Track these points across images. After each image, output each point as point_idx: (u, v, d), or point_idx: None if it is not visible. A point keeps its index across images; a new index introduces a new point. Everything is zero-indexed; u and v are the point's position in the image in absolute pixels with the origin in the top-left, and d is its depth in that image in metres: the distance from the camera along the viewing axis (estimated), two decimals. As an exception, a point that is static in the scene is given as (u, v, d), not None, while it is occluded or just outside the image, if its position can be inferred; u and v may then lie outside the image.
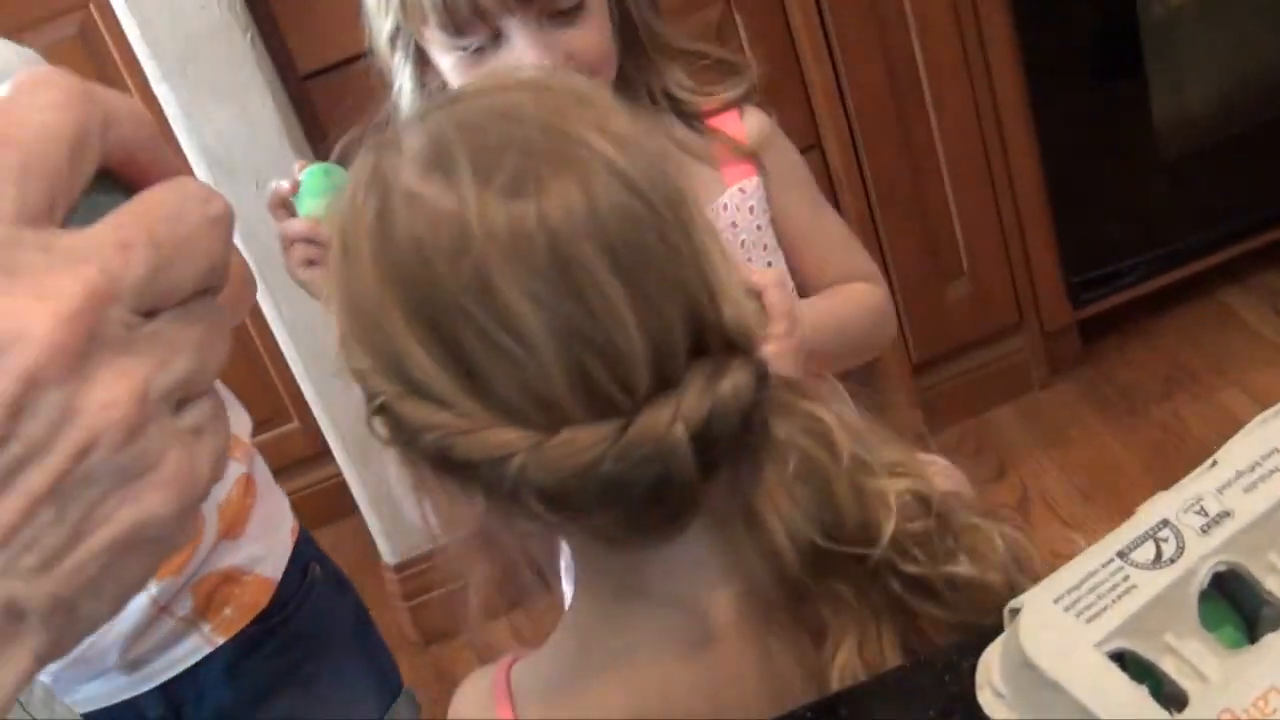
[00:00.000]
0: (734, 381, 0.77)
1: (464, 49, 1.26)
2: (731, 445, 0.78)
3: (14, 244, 0.42)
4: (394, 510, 2.24)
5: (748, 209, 1.38)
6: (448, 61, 1.29)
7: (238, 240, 1.07)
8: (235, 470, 1.42)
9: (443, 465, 0.79)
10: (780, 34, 2.12)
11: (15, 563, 0.43)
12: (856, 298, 1.40)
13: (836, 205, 2.23)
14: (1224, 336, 2.36)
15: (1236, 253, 2.38)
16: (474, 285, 0.76)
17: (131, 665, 1.38)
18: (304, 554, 1.49)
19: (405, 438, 0.80)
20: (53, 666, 1.38)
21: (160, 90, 1.91)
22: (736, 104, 1.39)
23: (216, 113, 1.92)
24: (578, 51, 1.26)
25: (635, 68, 1.35)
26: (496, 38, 1.25)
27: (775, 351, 1.10)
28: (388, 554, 2.35)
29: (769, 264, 1.38)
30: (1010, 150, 2.21)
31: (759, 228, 1.38)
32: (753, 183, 1.38)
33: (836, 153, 2.17)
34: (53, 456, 0.42)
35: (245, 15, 1.91)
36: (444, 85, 1.32)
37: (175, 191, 0.46)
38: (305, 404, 2.26)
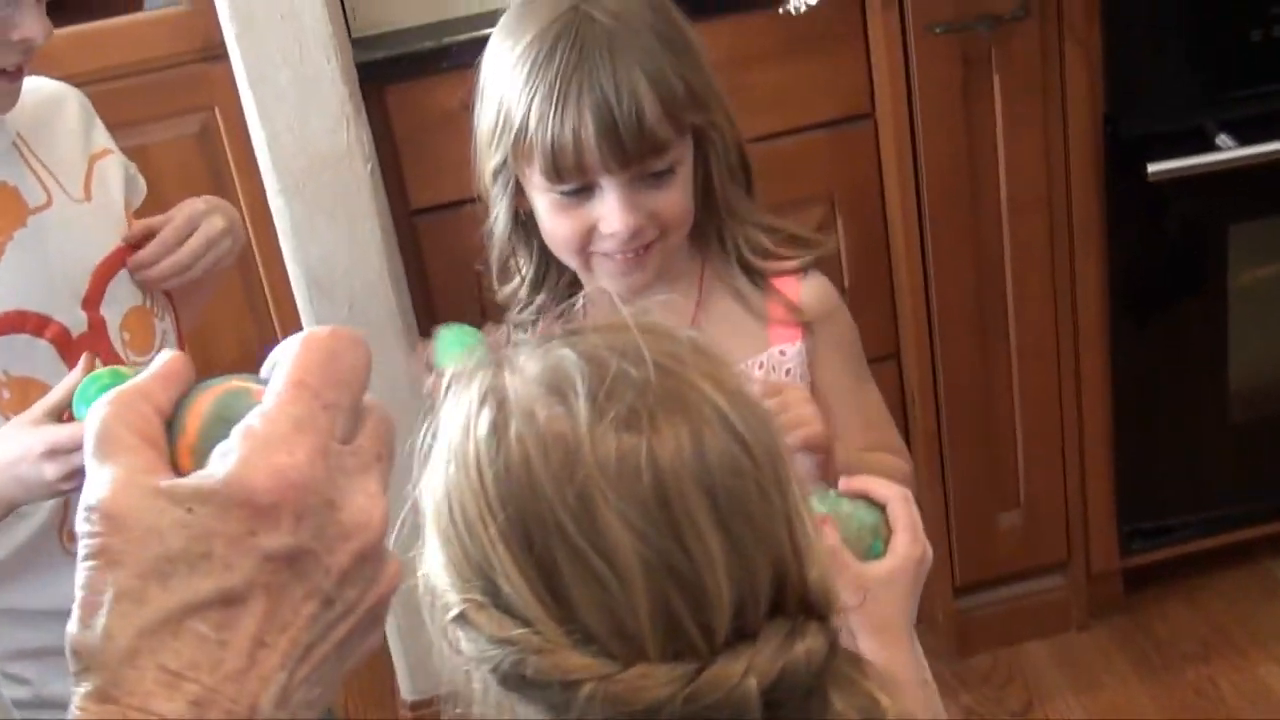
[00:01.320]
0: (808, 645, 0.79)
1: (560, 193, 1.37)
2: (794, 708, 0.79)
3: (341, 454, 0.56)
4: (422, 647, 2.23)
5: (784, 371, 1.46)
6: (543, 201, 1.40)
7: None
8: None
9: (510, 681, 0.80)
10: (877, 243, 2.17)
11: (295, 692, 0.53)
12: (890, 467, 1.46)
13: (905, 418, 2.25)
14: (1269, 608, 2.36)
15: (1289, 526, 2.39)
16: (577, 509, 0.78)
17: None
18: None
19: (478, 650, 0.80)
20: None
21: (275, 204, 1.95)
22: (800, 269, 1.48)
23: (325, 234, 1.96)
24: (661, 211, 1.39)
25: (710, 223, 1.45)
26: (591, 188, 1.37)
27: (902, 558, 1.13)
28: (406, 690, 2.34)
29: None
30: (1084, 390, 2.23)
31: None
32: (795, 347, 1.47)
33: (913, 365, 2.20)
34: (355, 614, 0.55)
35: (370, 145, 1.95)
36: (532, 215, 1.43)
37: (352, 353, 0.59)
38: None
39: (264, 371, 0.61)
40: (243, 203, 2.06)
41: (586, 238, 1.39)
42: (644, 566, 0.78)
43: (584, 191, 1.37)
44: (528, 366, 0.83)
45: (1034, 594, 2.39)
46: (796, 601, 0.81)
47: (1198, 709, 2.22)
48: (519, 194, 1.43)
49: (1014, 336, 2.19)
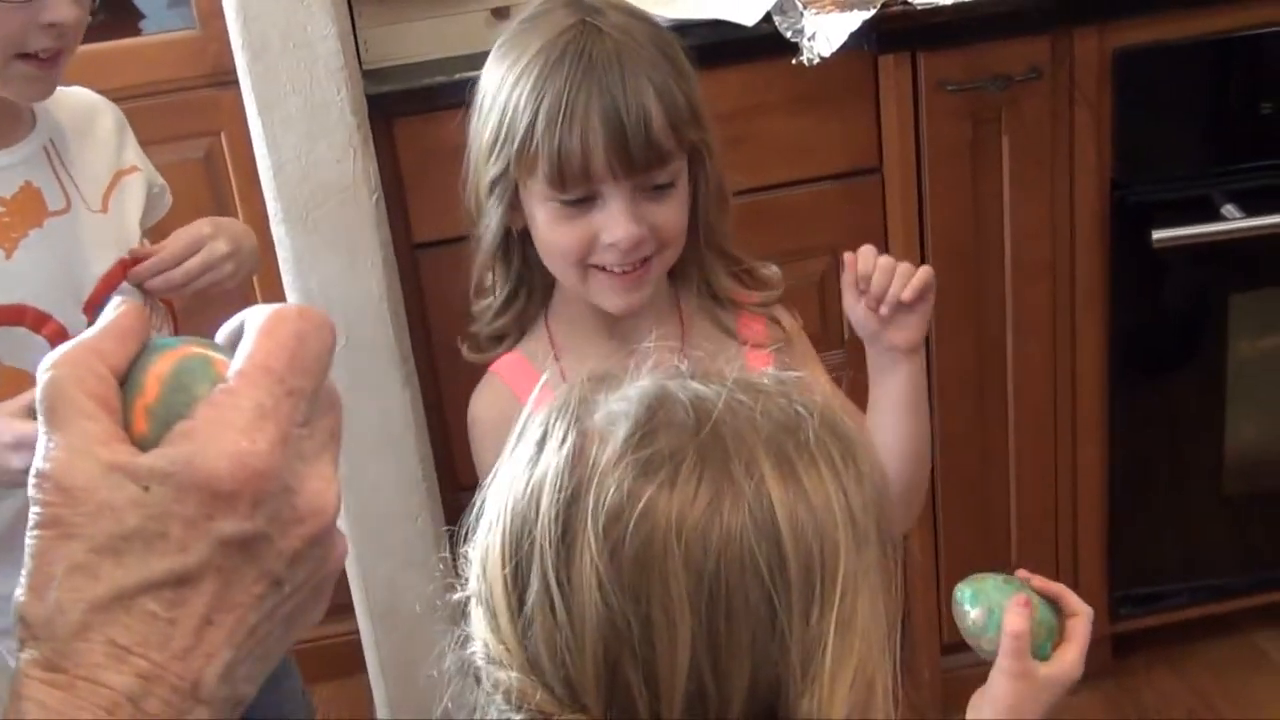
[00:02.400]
0: None
1: (562, 202, 1.37)
2: None
3: (300, 439, 0.56)
4: (404, 679, 2.21)
5: None
6: (543, 211, 1.39)
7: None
8: None
9: (475, 677, 0.80)
10: (880, 297, 2.15)
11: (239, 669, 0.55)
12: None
13: (901, 473, 2.24)
14: (1255, 680, 2.35)
15: (1277, 599, 2.38)
16: (558, 539, 0.76)
17: None
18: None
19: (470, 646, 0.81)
20: None
21: (278, 231, 1.94)
22: (767, 309, 1.53)
23: (327, 263, 1.95)
24: (662, 225, 1.40)
25: (689, 248, 1.46)
26: (593, 199, 1.37)
27: (1068, 668, 1.18)
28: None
29: None
30: (1079, 455, 2.22)
31: None
32: (769, 370, 1.47)
33: (910, 422, 2.19)
34: (302, 593, 0.56)
35: (376, 177, 1.95)
36: (526, 231, 1.43)
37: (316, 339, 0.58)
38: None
39: (220, 336, 0.60)
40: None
41: (587, 248, 1.39)
42: (599, 621, 0.75)
43: (586, 202, 1.37)
44: (616, 390, 0.82)
45: (1020, 656, 2.37)
46: None
47: (1181, 778, 2.21)
48: (513, 208, 1.42)
49: (1012, 399, 2.18)
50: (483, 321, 1.50)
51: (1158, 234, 2.04)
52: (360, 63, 1.99)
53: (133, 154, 1.65)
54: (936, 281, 2.07)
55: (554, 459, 0.79)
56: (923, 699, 2.33)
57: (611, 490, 0.76)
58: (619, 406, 0.80)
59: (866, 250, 1.43)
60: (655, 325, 1.41)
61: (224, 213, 2.07)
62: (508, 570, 0.78)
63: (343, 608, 2.37)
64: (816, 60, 1.92)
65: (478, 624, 0.80)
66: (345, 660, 2.42)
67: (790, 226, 2.11)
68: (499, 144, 1.39)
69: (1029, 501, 2.25)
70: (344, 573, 2.23)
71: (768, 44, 1.98)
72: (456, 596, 0.82)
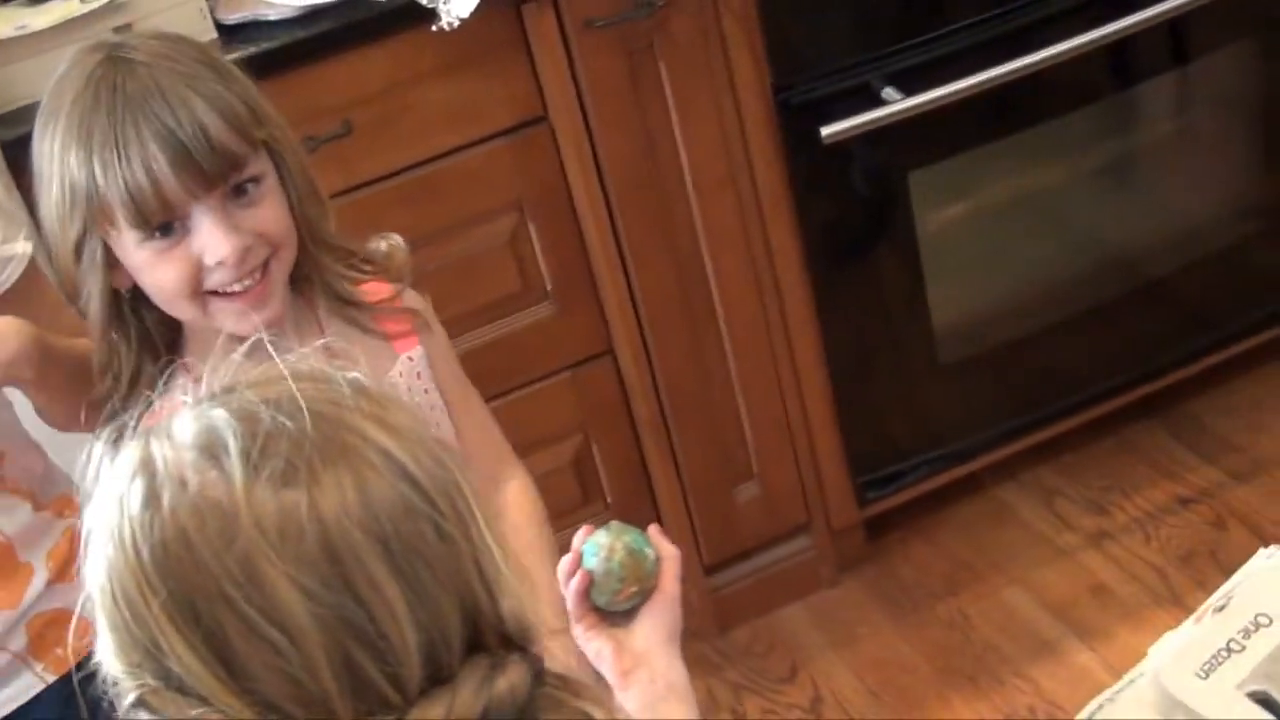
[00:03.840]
0: (510, 680, 0.78)
1: (153, 239, 1.30)
2: None
3: None
4: None
5: (415, 375, 1.48)
6: (140, 257, 1.32)
7: None
8: (63, 524, 1.51)
9: None
10: (574, 243, 2.15)
11: None
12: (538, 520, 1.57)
13: (629, 413, 2.26)
14: (1003, 534, 2.43)
15: (1012, 451, 2.46)
16: (240, 576, 0.75)
17: None
18: None
19: None
20: None
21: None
22: (397, 294, 1.49)
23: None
24: (264, 229, 1.34)
25: (304, 261, 1.41)
26: (184, 224, 1.31)
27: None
28: None
29: (437, 426, 1.49)
30: (797, 355, 2.26)
31: (426, 391, 1.48)
32: (419, 351, 1.49)
33: (628, 359, 2.20)
34: None
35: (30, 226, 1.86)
36: (134, 287, 1.35)
37: None
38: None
39: None
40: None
41: (196, 278, 1.32)
42: (319, 626, 0.75)
43: (177, 229, 1.30)
44: (178, 432, 0.80)
45: (781, 560, 2.42)
46: (495, 636, 0.79)
47: (951, 642, 2.28)
48: (111, 267, 1.34)
49: (721, 314, 2.20)
50: (114, 403, 1.39)
51: (826, 129, 2.07)
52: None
53: None
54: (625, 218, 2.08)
55: (181, 513, 0.77)
56: (697, 621, 2.35)
57: (268, 513, 0.76)
58: (205, 441, 0.79)
59: None
60: (297, 341, 1.36)
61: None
62: (195, 637, 0.76)
63: None
64: (456, 23, 1.89)
65: (175, 709, 0.77)
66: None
67: (469, 191, 2.09)
68: (68, 206, 1.31)
69: (758, 411, 2.28)
70: None
71: (407, 14, 1.94)
72: (128, 704, 0.79)
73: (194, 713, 0.76)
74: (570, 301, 2.19)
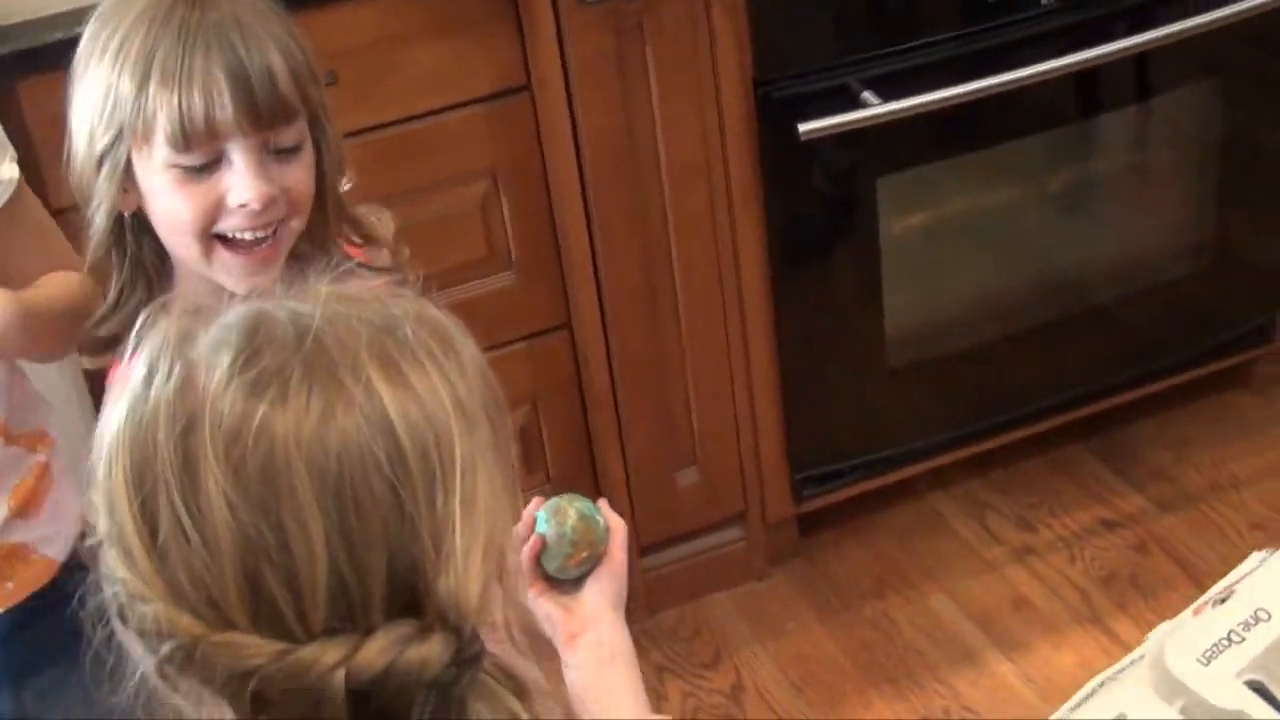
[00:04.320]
0: (425, 653, 0.78)
1: (184, 166, 1.29)
2: (405, 713, 0.78)
3: None
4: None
5: None
6: (164, 180, 1.31)
7: None
8: (34, 459, 1.51)
9: (121, 618, 0.81)
10: (543, 215, 2.17)
11: None
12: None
13: (580, 387, 2.27)
14: (933, 541, 2.47)
15: (947, 461, 2.50)
16: (180, 468, 0.78)
17: None
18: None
19: (109, 586, 0.81)
20: None
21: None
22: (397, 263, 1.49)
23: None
24: (292, 188, 1.34)
25: (323, 228, 1.41)
26: (218, 162, 1.30)
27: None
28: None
29: None
30: (751, 347, 2.29)
31: None
32: None
33: (586, 334, 2.22)
34: None
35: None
36: (139, 213, 1.35)
37: None
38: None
39: None
40: None
41: (213, 214, 1.31)
42: (234, 537, 0.77)
43: (210, 167, 1.30)
44: (214, 320, 0.83)
45: (715, 547, 2.45)
46: (434, 610, 0.79)
47: (875, 643, 2.32)
48: (124, 190, 1.33)
49: (681, 300, 2.23)
50: (94, 320, 1.40)
51: (803, 126, 2.10)
52: (-27, 24, 1.88)
53: None
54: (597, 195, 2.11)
55: (163, 392, 0.80)
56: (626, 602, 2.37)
57: (225, 414, 0.78)
58: (219, 334, 0.82)
59: None
60: None
61: None
62: (135, 507, 0.79)
63: None
64: (452, -16, 1.90)
65: (113, 565, 0.81)
66: None
67: (445, 154, 2.10)
68: (108, 112, 1.30)
69: (706, 398, 2.30)
70: None
71: (402, -29, 1.95)
72: (89, 543, 0.82)
73: (121, 574, 0.80)
74: (533, 273, 2.20)
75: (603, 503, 1.30)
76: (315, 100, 1.35)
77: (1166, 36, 2.23)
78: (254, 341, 0.80)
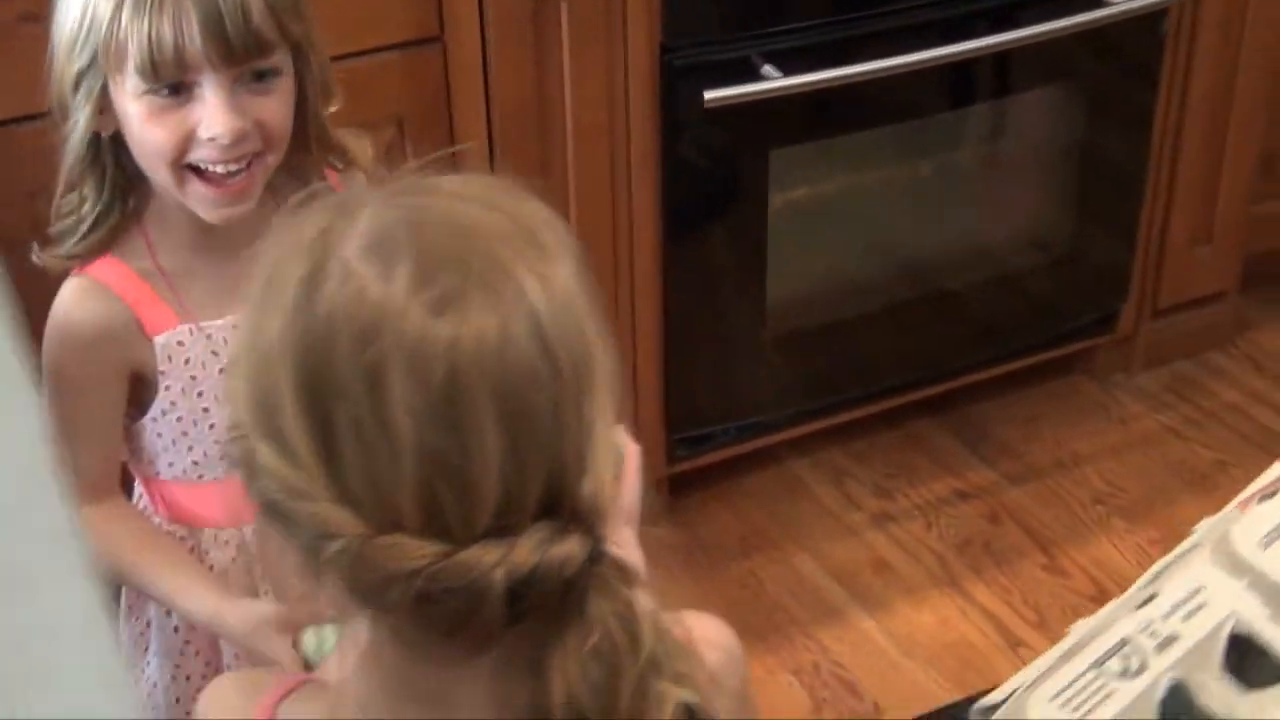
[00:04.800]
0: (567, 551, 0.82)
1: (156, 95, 1.30)
2: (544, 605, 0.83)
3: None
4: None
5: None
6: (136, 107, 1.32)
7: None
8: None
9: (273, 513, 0.83)
10: (447, 168, 2.19)
11: None
12: None
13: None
14: (796, 506, 2.56)
15: (810, 430, 2.59)
16: (366, 377, 0.80)
17: None
18: None
19: (250, 473, 0.84)
20: None
21: None
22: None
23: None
24: (267, 121, 1.34)
25: (303, 157, 1.43)
26: (190, 89, 1.31)
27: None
28: None
29: None
30: (637, 310, 2.34)
31: None
32: None
33: (481, 288, 2.24)
34: None
35: None
36: (117, 134, 1.35)
37: None
38: None
39: None
40: None
41: (183, 146, 1.32)
42: (416, 451, 0.80)
43: (182, 94, 1.31)
44: (363, 217, 0.84)
45: (588, 505, 2.49)
46: (569, 509, 0.84)
47: (742, 601, 2.39)
48: (101, 112, 1.35)
49: (576, 258, 2.27)
50: (71, 231, 1.40)
51: (709, 94, 2.16)
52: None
53: None
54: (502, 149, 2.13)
55: (338, 302, 0.82)
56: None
57: (414, 332, 0.80)
58: (383, 239, 0.83)
59: None
60: (260, 232, 1.38)
61: None
62: (303, 410, 0.81)
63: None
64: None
65: (269, 460, 0.82)
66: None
67: (352, 99, 2.08)
68: (83, 34, 1.30)
69: (595, 357, 2.35)
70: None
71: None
72: (235, 437, 0.84)
73: (284, 472, 0.81)
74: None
75: (619, 428, 1.33)
76: (296, 33, 1.35)
77: (1024, 38, 2.36)
78: (428, 260, 0.81)
